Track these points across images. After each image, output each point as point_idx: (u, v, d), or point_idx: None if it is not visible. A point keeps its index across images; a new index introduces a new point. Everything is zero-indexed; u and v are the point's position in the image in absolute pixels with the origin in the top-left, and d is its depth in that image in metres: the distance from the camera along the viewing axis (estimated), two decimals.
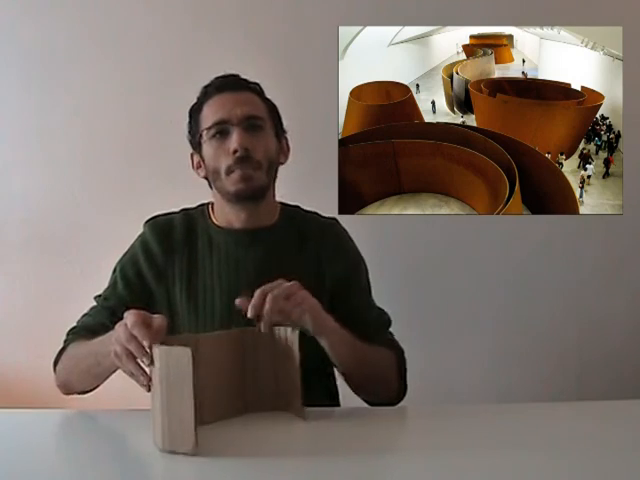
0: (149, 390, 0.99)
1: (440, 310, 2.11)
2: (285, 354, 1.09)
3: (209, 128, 1.29)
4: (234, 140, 1.26)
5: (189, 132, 1.36)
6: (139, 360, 0.99)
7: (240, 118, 1.28)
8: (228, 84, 1.32)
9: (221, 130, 1.28)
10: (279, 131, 1.35)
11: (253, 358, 1.12)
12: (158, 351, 0.95)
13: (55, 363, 1.29)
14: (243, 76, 1.34)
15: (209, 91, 1.32)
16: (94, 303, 1.35)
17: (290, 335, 1.09)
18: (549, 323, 2.12)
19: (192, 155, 1.36)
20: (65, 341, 1.31)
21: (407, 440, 1.08)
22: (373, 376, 1.24)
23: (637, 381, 2.05)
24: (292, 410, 1.10)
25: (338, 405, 1.43)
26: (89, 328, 1.29)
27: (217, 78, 1.34)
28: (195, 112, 1.34)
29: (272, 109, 1.35)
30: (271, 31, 2.08)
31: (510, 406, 1.29)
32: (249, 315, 1.08)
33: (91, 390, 1.27)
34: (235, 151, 1.26)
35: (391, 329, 1.36)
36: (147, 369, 0.99)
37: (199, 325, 1.29)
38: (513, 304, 2.12)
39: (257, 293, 1.09)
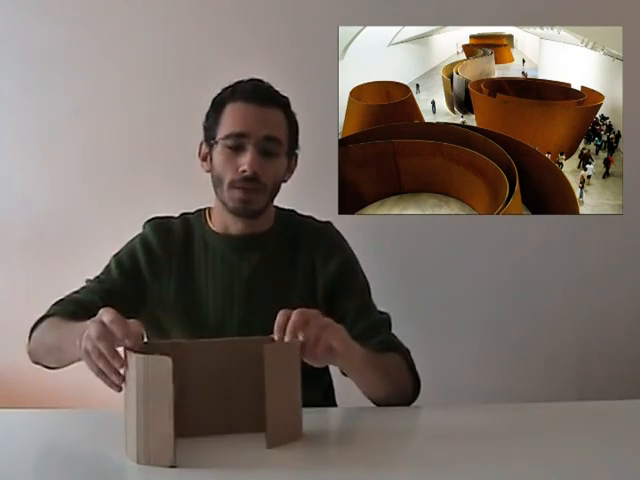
0: (120, 390, 0.93)
1: (440, 310, 2.11)
2: (282, 370, 0.95)
3: (225, 137, 1.27)
4: (246, 161, 1.25)
5: (206, 120, 1.33)
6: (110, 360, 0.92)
7: (259, 138, 1.26)
8: (258, 95, 1.29)
9: (237, 144, 1.26)
10: (292, 150, 1.34)
11: (242, 373, 0.99)
12: (135, 359, 0.88)
13: (32, 329, 1.26)
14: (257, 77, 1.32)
15: (237, 94, 1.29)
16: (84, 287, 1.32)
17: (293, 348, 0.97)
18: (549, 323, 2.12)
19: (201, 144, 1.35)
20: (48, 311, 1.26)
21: (404, 441, 1.08)
22: (392, 388, 1.21)
23: (637, 381, 2.04)
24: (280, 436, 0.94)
25: (334, 404, 1.43)
26: (77, 302, 1.26)
27: (250, 81, 1.31)
28: (217, 107, 1.31)
29: (293, 126, 1.33)
30: (271, 31, 2.07)
31: (510, 406, 1.29)
32: (287, 336, 0.98)
33: (56, 369, 1.24)
34: (244, 171, 1.25)
35: (391, 329, 1.34)
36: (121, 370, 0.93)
37: (192, 327, 1.30)
38: (513, 304, 2.12)
39: (296, 312, 1.00)
